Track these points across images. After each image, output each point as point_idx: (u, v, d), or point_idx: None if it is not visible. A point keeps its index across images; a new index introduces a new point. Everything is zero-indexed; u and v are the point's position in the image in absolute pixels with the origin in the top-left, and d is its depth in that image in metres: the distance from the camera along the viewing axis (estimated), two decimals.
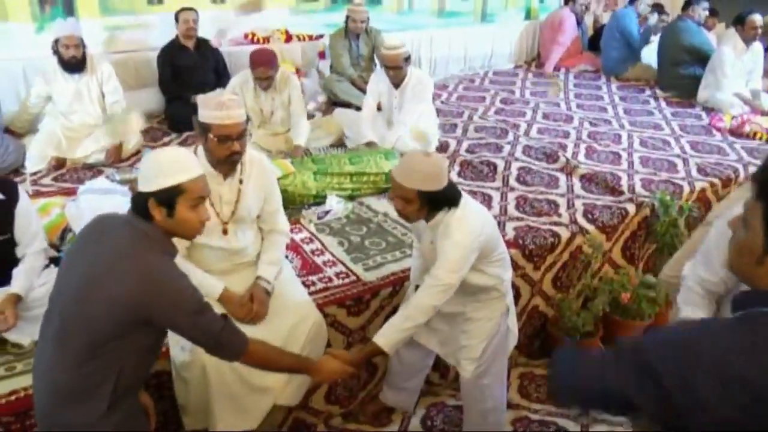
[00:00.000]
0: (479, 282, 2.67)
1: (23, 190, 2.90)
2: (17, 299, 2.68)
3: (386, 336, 2.51)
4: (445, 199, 2.49)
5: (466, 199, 2.58)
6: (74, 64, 4.56)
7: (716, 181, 4.58)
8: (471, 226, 2.50)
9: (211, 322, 2.05)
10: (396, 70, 4.63)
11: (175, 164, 2.03)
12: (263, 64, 4.52)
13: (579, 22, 8.17)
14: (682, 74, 6.61)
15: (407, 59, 4.62)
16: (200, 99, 2.66)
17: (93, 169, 4.51)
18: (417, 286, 2.90)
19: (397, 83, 4.72)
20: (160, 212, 2.01)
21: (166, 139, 5.15)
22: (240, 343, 2.13)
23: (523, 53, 8.20)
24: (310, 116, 5.15)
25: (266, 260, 2.86)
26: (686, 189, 4.40)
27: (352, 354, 2.64)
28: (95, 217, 2.18)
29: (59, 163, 4.51)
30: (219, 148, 2.59)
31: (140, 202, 2.02)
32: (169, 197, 2.00)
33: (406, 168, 2.47)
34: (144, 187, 2.02)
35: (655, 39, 7.24)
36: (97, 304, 1.89)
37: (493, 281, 2.70)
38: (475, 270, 2.61)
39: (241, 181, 2.75)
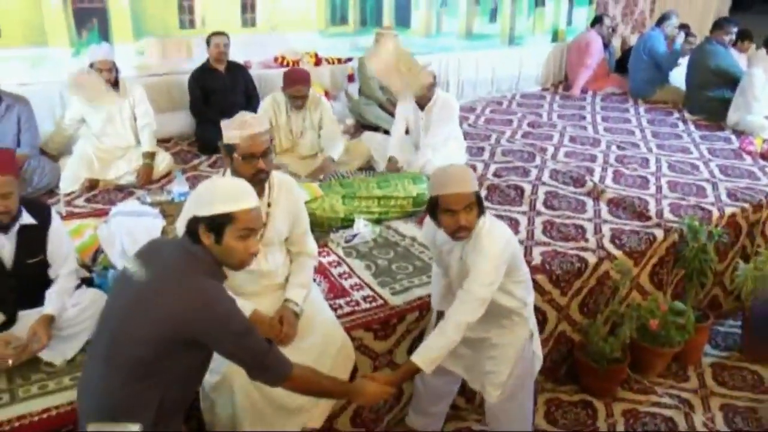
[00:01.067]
0: (505, 303, 2.68)
1: (55, 213, 2.98)
2: (50, 320, 2.74)
3: (423, 354, 2.52)
4: (482, 202, 2.56)
5: (489, 215, 2.64)
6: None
7: (747, 206, 4.53)
8: (500, 237, 2.55)
9: (257, 345, 2.09)
10: (422, 97, 4.69)
11: (229, 193, 2.09)
12: (299, 82, 4.62)
13: (606, 45, 8.18)
14: (711, 97, 6.55)
15: (434, 80, 4.66)
16: (224, 123, 2.72)
17: (124, 191, 4.58)
18: (439, 312, 2.92)
19: (423, 104, 4.76)
20: (209, 238, 2.06)
21: (195, 162, 5.22)
22: (284, 367, 2.16)
23: (550, 76, 8.21)
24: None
25: (295, 283, 2.88)
26: (716, 214, 4.36)
27: (390, 375, 2.67)
28: (151, 240, 2.26)
29: (92, 185, 4.59)
30: (244, 166, 2.64)
31: (193, 225, 2.08)
32: (218, 224, 2.05)
33: (455, 177, 2.50)
34: (197, 211, 2.07)
35: (683, 61, 7.19)
36: (147, 325, 1.95)
37: (517, 303, 2.71)
38: (502, 291, 2.62)
39: (269, 204, 2.79)
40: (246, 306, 2.71)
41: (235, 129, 2.64)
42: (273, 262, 2.86)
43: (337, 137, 4.89)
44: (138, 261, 2.16)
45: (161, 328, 1.95)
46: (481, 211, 2.55)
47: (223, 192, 2.09)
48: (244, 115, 2.72)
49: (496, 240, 2.53)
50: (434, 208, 2.55)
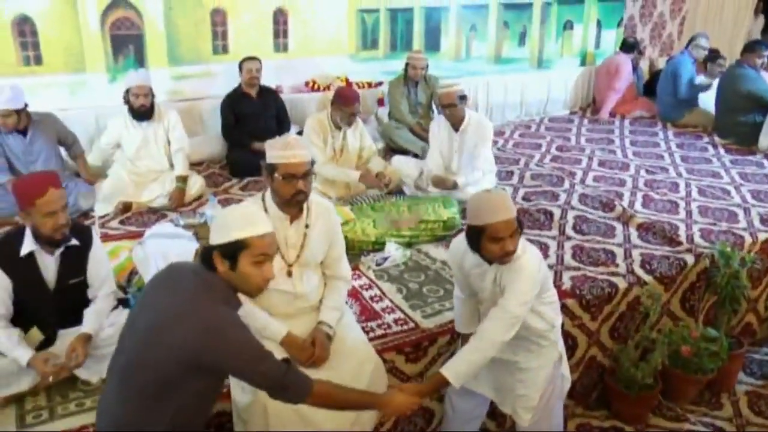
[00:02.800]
0: (535, 324, 2.70)
1: (96, 235, 3.05)
2: (88, 339, 2.80)
3: (453, 368, 2.54)
4: (521, 222, 2.59)
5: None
6: (143, 112, 4.77)
7: None
8: (534, 256, 2.61)
9: (273, 369, 2.12)
10: (451, 108, 4.68)
11: (243, 220, 2.13)
12: (357, 100, 4.84)
13: (635, 68, 8.17)
14: (742, 121, 6.48)
15: (462, 98, 4.66)
16: (268, 143, 2.77)
17: (157, 213, 4.66)
18: (464, 336, 2.94)
19: (455, 124, 4.77)
20: (223, 264, 2.11)
21: (227, 185, 5.30)
22: (304, 385, 2.18)
23: (578, 99, 8.21)
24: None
25: (329, 305, 2.92)
26: (748, 240, 4.32)
27: (418, 386, 2.67)
28: (168, 264, 2.31)
29: (126, 207, 4.67)
30: (285, 187, 2.69)
31: (207, 253, 2.14)
32: (232, 251, 2.10)
33: (500, 204, 2.52)
34: (213, 239, 2.13)
35: (711, 82, 7.13)
36: (162, 349, 2.00)
37: (546, 325, 2.73)
38: (532, 311, 2.65)
39: (307, 226, 2.83)
40: (280, 328, 2.75)
41: (278, 149, 2.69)
42: (308, 284, 2.89)
43: (377, 159, 5.10)
44: (155, 286, 2.23)
45: (175, 354, 1.99)
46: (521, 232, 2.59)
47: (235, 219, 2.14)
48: (287, 137, 2.80)
49: (531, 259, 2.58)
50: (478, 236, 2.54)
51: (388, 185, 4.84)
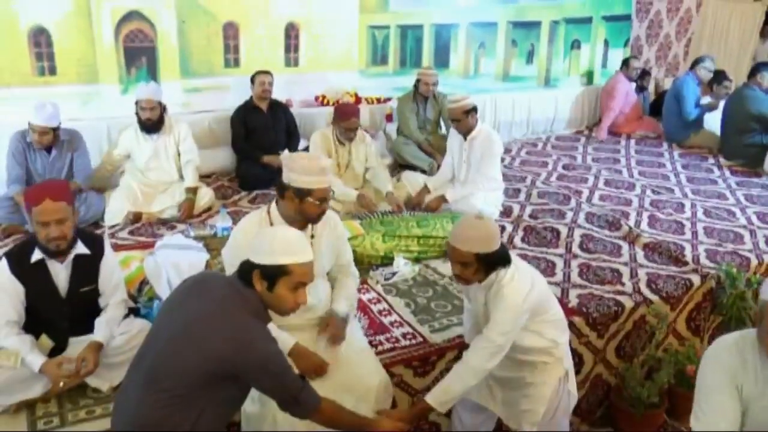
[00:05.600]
0: (533, 344, 2.72)
1: (108, 244, 3.08)
2: (99, 347, 2.83)
3: (437, 396, 2.63)
4: (500, 259, 2.59)
5: (515, 260, 2.68)
6: (150, 125, 4.82)
7: None
8: (520, 288, 2.59)
9: (293, 383, 2.20)
10: (455, 123, 4.79)
11: (289, 246, 2.19)
12: (354, 114, 4.87)
13: (643, 88, 8.21)
14: (748, 143, 6.51)
15: (468, 111, 4.70)
16: (300, 166, 2.75)
17: (167, 224, 4.70)
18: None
19: (464, 133, 4.82)
20: (261, 285, 2.17)
21: (236, 197, 5.34)
22: (314, 402, 2.27)
23: (584, 118, 8.25)
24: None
25: (340, 296, 3.01)
26: (754, 261, 4.34)
27: (404, 412, 2.76)
28: (200, 273, 2.40)
29: (135, 218, 4.71)
30: (316, 209, 2.77)
31: (247, 269, 2.19)
32: (273, 274, 2.16)
33: (462, 233, 2.57)
34: (255, 257, 2.18)
35: (715, 102, 7.16)
36: (191, 355, 2.05)
37: (546, 343, 2.75)
38: (530, 331, 2.69)
39: (312, 236, 2.87)
40: (288, 339, 2.78)
41: (316, 175, 2.73)
42: (316, 296, 2.92)
43: (384, 172, 5.15)
44: (186, 291, 2.27)
45: (205, 362, 2.05)
46: (500, 265, 2.60)
47: (283, 244, 2.19)
48: (320, 161, 2.81)
49: (515, 292, 2.58)
50: None
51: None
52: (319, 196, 2.74)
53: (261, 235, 2.27)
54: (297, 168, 2.74)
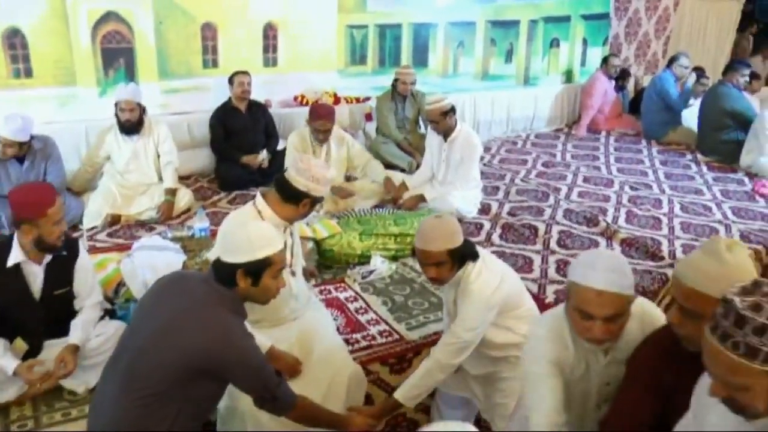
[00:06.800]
0: (504, 340, 2.73)
1: (83, 246, 3.08)
2: (75, 349, 2.82)
3: (406, 392, 2.65)
4: (467, 252, 2.61)
5: (483, 255, 2.68)
6: (129, 127, 4.80)
7: (760, 248, 4.54)
8: (488, 282, 2.59)
9: (270, 379, 2.23)
10: (433, 124, 4.80)
11: (264, 239, 2.24)
12: (324, 116, 4.82)
13: (622, 87, 8.28)
14: (724, 139, 6.59)
15: (446, 113, 4.71)
16: (313, 175, 2.81)
17: (145, 226, 4.68)
18: None
19: (444, 133, 4.83)
20: (246, 282, 2.21)
21: (215, 198, 5.33)
22: (291, 398, 2.31)
23: (564, 116, 8.30)
24: (355, 178, 5.34)
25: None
26: None
27: (374, 409, 2.77)
28: (175, 272, 2.43)
29: (114, 220, 4.69)
30: (310, 209, 2.90)
31: (227, 271, 2.21)
32: (257, 269, 2.21)
33: (427, 235, 2.57)
34: (232, 258, 2.21)
35: (695, 102, 7.25)
36: (170, 352, 2.07)
37: (519, 339, 2.71)
38: (500, 327, 2.70)
39: (289, 233, 2.95)
40: (263, 341, 2.78)
41: (323, 184, 2.85)
42: (297, 286, 3.00)
43: (373, 161, 5.23)
44: (162, 290, 2.29)
45: (182, 357, 2.06)
46: (468, 259, 2.61)
47: (260, 238, 2.24)
48: (324, 170, 2.88)
49: (483, 287, 2.58)
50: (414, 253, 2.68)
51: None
52: (318, 197, 2.89)
53: (233, 236, 2.29)
54: (311, 177, 2.81)
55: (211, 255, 2.93)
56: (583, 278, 2.00)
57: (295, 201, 2.81)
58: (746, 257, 1.86)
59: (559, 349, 2.16)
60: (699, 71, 7.50)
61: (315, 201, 2.88)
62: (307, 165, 2.82)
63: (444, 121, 4.73)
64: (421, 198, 4.82)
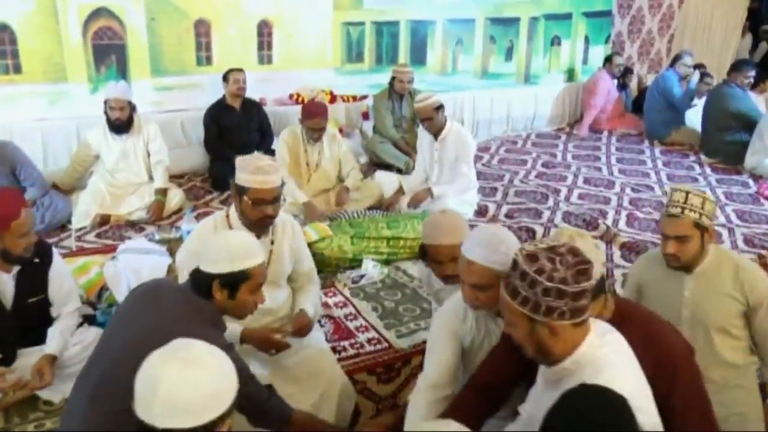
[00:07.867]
0: None
1: (56, 251, 2.97)
2: (53, 359, 2.73)
3: None
4: None
5: None
6: (118, 125, 4.70)
7: (765, 252, 4.42)
8: None
9: (257, 393, 2.15)
10: (427, 122, 4.71)
11: (243, 251, 2.14)
12: (317, 115, 4.70)
13: (624, 85, 8.16)
14: (728, 140, 6.46)
15: (437, 108, 4.64)
16: (239, 161, 2.72)
17: (135, 226, 4.59)
18: None
19: (434, 132, 4.76)
20: (222, 294, 2.11)
21: (208, 198, 5.25)
22: (284, 412, 2.23)
23: (566, 115, 8.19)
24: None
25: (308, 301, 2.92)
26: None
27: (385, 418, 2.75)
28: (151, 281, 2.30)
29: (103, 220, 4.60)
30: (253, 211, 2.67)
31: (203, 281, 2.11)
32: (234, 281, 2.11)
33: (444, 229, 2.45)
34: (210, 268, 2.10)
35: (698, 102, 7.13)
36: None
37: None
38: None
39: (272, 242, 2.81)
40: (235, 327, 2.66)
41: (249, 173, 2.65)
42: (275, 300, 2.86)
43: (353, 171, 5.05)
44: (138, 300, 2.17)
45: None
46: None
47: (239, 249, 2.13)
48: (261, 159, 2.73)
49: None
50: (425, 255, 2.55)
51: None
52: (255, 197, 2.65)
53: (212, 244, 2.18)
54: (238, 164, 2.70)
55: (177, 263, 2.79)
56: (465, 251, 2.15)
57: (240, 199, 2.67)
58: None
59: (456, 323, 2.32)
60: (701, 69, 7.38)
61: (261, 200, 2.65)
62: (248, 161, 2.69)
63: (437, 116, 4.66)
64: (429, 191, 4.73)
